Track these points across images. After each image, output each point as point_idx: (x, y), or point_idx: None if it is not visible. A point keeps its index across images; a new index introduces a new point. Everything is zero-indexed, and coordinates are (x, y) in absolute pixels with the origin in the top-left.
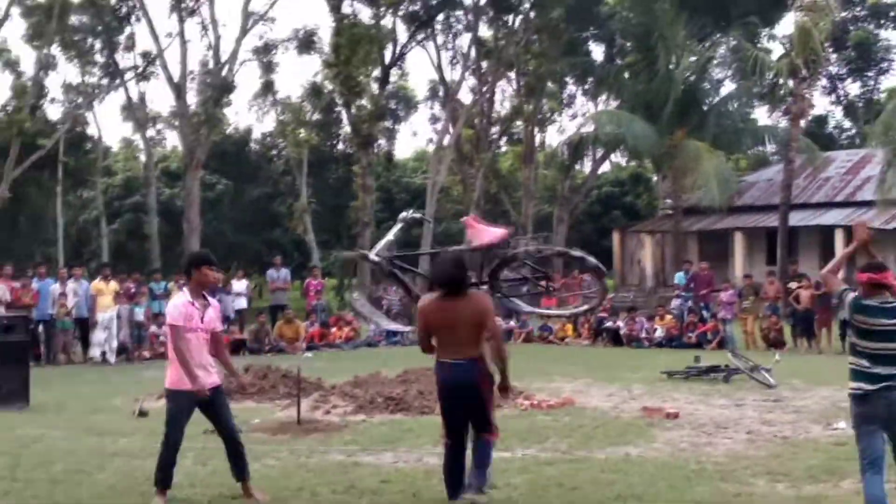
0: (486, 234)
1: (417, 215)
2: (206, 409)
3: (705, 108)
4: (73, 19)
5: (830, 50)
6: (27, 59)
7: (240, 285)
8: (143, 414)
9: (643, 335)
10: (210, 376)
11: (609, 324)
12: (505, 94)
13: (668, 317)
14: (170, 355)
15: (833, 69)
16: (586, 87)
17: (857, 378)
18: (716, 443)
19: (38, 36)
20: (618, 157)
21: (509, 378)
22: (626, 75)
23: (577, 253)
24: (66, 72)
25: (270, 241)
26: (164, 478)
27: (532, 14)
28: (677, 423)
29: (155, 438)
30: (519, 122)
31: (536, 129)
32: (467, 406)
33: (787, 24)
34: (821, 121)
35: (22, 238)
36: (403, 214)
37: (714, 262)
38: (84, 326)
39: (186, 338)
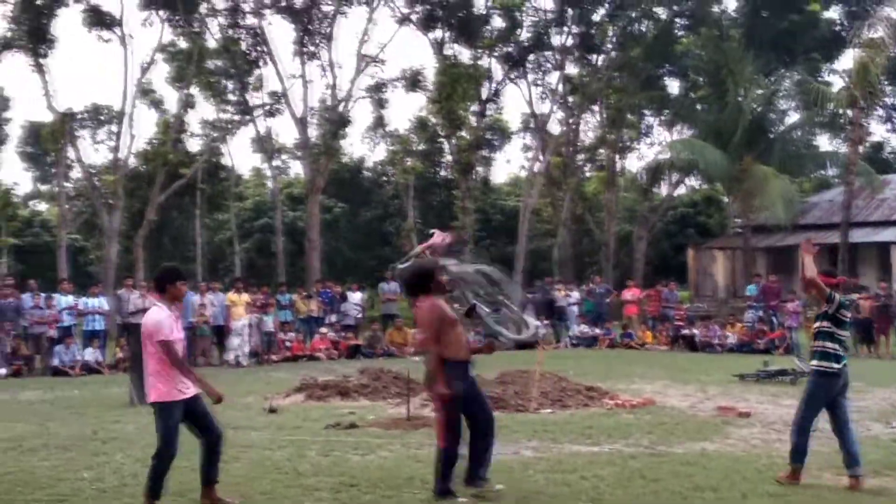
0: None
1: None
2: (192, 415)
3: (771, 135)
4: (210, 63)
5: (886, 82)
6: (170, 99)
7: (355, 297)
8: (272, 411)
9: (716, 341)
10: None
11: (685, 331)
12: (589, 125)
13: (739, 325)
14: (153, 369)
15: (889, 100)
16: (663, 117)
17: (830, 359)
18: (785, 439)
19: (179, 78)
20: (692, 181)
21: None
22: (699, 107)
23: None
24: (204, 109)
25: (382, 257)
26: (155, 489)
27: (614, 53)
28: (749, 422)
29: (283, 432)
30: (602, 150)
31: (618, 156)
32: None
33: (847, 60)
34: (878, 147)
35: (166, 256)
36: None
37: (781, 275)
38: (220, 333)
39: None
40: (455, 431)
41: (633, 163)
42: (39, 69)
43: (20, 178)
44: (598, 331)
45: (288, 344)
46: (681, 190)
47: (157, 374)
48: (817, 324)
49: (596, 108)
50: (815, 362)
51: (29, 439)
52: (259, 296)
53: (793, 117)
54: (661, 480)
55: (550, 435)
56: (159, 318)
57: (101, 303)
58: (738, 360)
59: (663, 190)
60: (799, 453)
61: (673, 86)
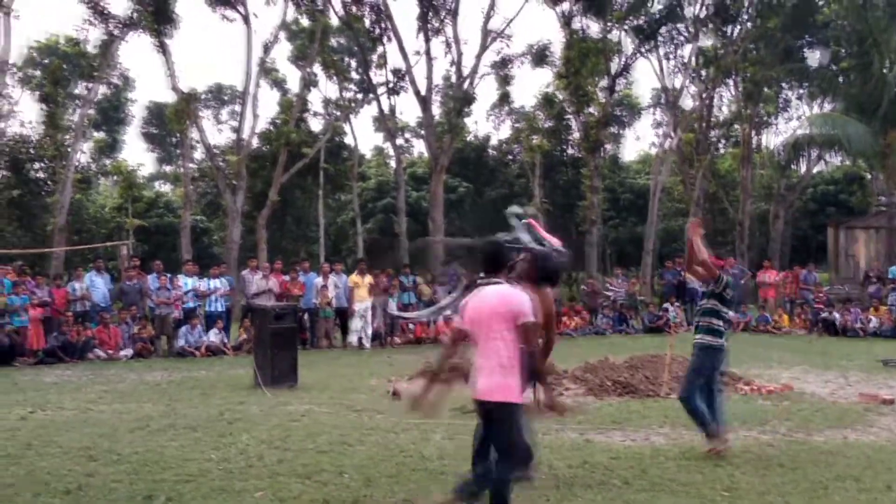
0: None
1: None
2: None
3: None
4: (333, 41)
5: None
6: (292, 78)
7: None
8: (395, 395)
9: (858, 326)
10: None
11: (825, 315)
12: (724, 100)
13: (883, 308)
14: (507, 361)
15: None
16: (802, 91)
17: (716, 335)
18: None
19: (302, 57)
20: (833, 157)
21: None
22: (841, 79)
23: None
24: (326, 88)
25: None
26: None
27: (750, 24)
28: (894, 409)
29: (407, 416)
30: (737, 126)
31: (754, 132)
32: None
33: None
34: None
35: (288, 237)
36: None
37: None
38: (343, 315)
39: None
40: None
41: (771, 139)
42: (162, 49)
43: (143, 160)
44: (732, 314)
45: (411, 326)
46: (821, 167)
47: (513, 368)
48: (704, 301)
49: (731, 81)
50: (699, 337)
51: (156, 419)
52: (382, 278)
53: None
54: (799, 469)
55: (682, 421)
56: (527, 297)
57: (221, 284)
58: (882, 345)
59: (802, 167)
60: (702, 422)
61: (813, 57)
